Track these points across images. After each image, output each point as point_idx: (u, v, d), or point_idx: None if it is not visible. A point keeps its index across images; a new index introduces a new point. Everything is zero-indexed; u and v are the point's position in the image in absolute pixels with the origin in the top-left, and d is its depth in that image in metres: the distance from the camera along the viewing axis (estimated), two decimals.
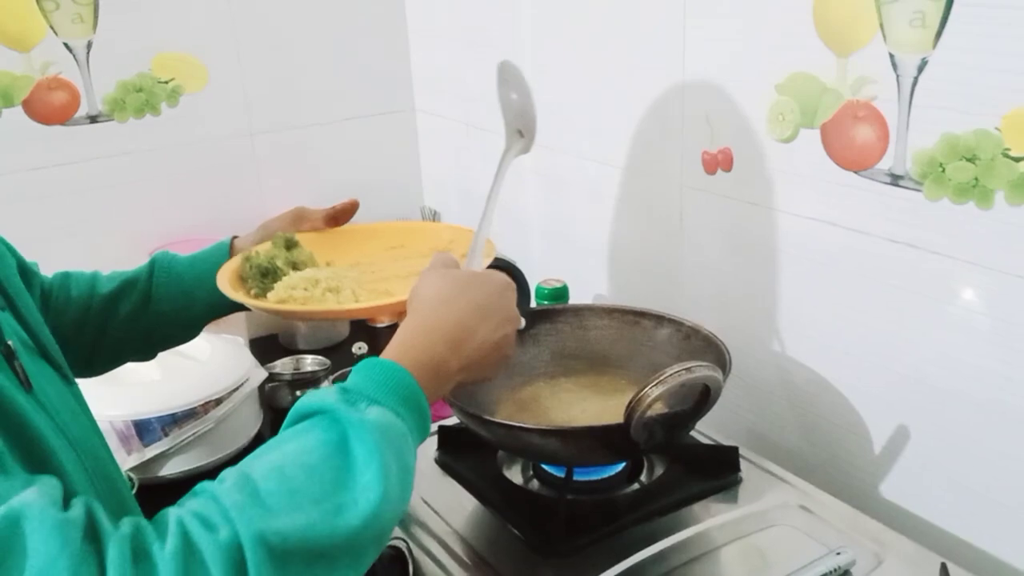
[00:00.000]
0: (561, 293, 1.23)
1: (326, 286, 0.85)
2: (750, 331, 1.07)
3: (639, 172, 1.20)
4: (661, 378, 0.71)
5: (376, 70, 1.64)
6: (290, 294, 0.84)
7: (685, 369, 0.71)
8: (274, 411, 1.31)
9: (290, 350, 1.53)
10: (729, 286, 1.10)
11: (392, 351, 0.65)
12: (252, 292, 0.87)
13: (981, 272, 0.83)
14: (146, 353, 0.94)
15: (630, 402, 0.72)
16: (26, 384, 0.61)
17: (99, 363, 0.91)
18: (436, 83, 1.63)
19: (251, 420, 1.24)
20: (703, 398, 0.76)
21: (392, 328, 1.63)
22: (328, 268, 0.91)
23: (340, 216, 0.98)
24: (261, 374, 1.27)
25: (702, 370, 0.72)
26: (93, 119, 1.40)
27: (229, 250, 0.90)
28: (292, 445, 0.56)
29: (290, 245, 0.92)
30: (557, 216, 1.40)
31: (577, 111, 1.29)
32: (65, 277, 0.91)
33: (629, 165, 1.22)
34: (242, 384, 1.22)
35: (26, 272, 0.85)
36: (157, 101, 1.45)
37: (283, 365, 1.40)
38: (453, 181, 1.66)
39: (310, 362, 1.42)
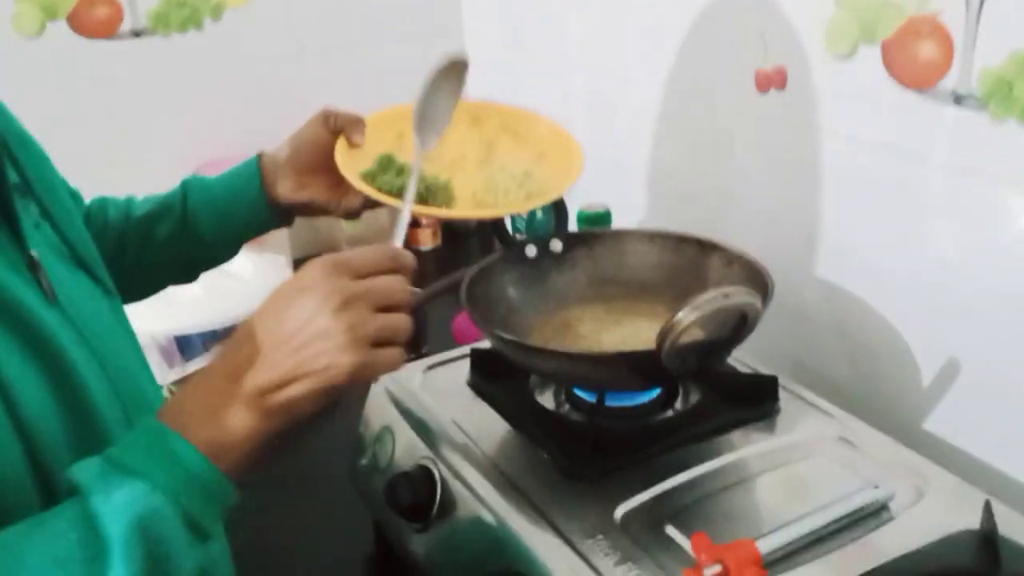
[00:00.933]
0: (603, 218, 1.20)
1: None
2: (797, 257, 1.04)
3: (687, 93, 1.16)
4: (695, 303, 0.68)
5: None
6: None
7: (722, 295, 0.68)
8: None
9: None
10: (779, 211, 1.06)
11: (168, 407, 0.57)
12: (383, 190, 0.85)
13: None
14: (187, 276, 0.94)
15: (663, 328, 0.69)
16: (50, 295, 0.60)
17: (141, 286, 0.91)
18: (483, 6, 1.59)
19: None
20: (740, 325, 0.73)
21: (435, 253, 1.62)
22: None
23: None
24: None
25: (740, 296, 0.69)
26: (137, 34, 1.39)
27: (259, 167, 0.89)
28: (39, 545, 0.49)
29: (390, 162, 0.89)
30: (601, 140, 1.35)
31: (621, 31, 1.24)
32: (102, 202, 0.90)
33: (677, 86, 1.17)
34: None
35: (72, 196, 0.84)
36: (200, 16, 1.43)
37: None
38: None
39: None
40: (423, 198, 0.85)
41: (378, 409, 0.93)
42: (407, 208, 0.76)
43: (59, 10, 1.33)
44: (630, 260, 0.96)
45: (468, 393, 0.92)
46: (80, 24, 1.35)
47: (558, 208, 0.98)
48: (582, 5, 1.32)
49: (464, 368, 0.95)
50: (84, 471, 0.52)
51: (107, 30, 1.37)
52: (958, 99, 0.83)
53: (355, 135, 0.87)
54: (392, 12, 1.58)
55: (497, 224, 0.95)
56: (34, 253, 0.60)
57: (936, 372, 0.92)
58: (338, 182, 0.86)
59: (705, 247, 0.93)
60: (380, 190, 0.84)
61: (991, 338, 0.86)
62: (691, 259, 0.94)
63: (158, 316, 1.14)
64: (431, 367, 0.96)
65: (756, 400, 0.85)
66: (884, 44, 0.89)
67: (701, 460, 0.78)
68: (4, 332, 0.54)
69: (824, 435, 0.82)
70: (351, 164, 0.86)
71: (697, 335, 0.71)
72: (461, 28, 1.64)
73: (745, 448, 0.80)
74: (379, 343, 0.59)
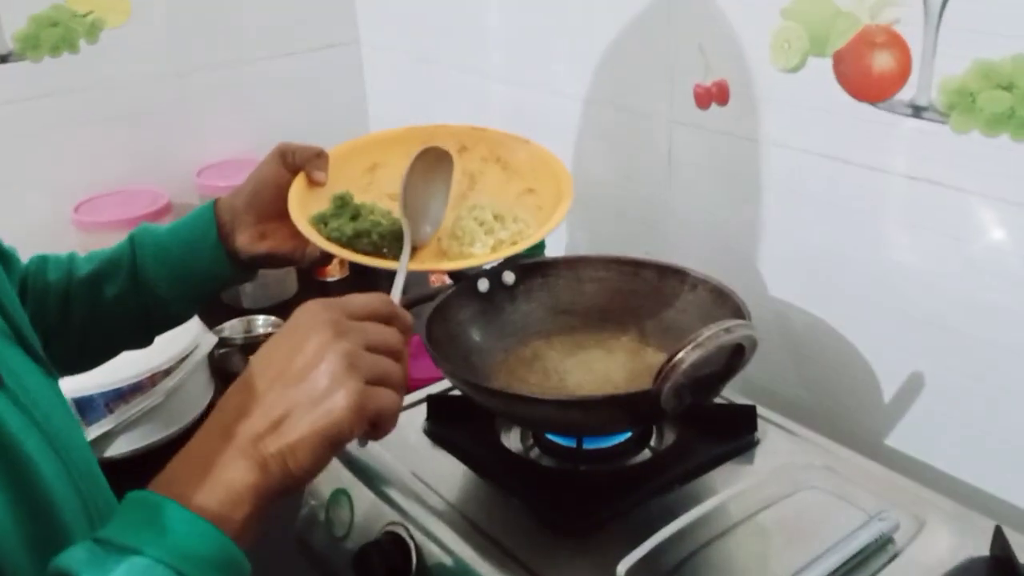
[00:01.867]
0: (536, 245, 1.14)
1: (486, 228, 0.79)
2: (748, 277, 1.01)
3: (622, 109, 1.11)
4: (698, 341, 0.63)
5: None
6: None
7: (724, 330, 0.64)
8: (226, 379, 1.20)
9: (236, 309, 1.42)
10: (723, 229, 1.03)
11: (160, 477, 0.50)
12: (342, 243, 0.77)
13: (1014, 209, 0.78)
14: (143, 339, 0.84)
15: (661, 367, 0.64)
16: (0, 377, 0.52)
17: (90, 354, 0.82)
18: (383, 12, 1.51)
19: (202, 390, 1.13)
20: (735, 359, 0.69)
21: (344, 283, 1.53)
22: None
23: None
24: (211, 339, 1.16)
25: (740, 330, 0.65)
26: (3, 59, 1.25)
27: (214, 214, 0.79)
28: None
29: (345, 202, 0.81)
30: None
31: (548, 40, 1.19)
32: (42, 261, 0.80)
33: (610, 101, 1.13)
34: (191, 352, 1.11)
35: (4, 257, 0.74)
36: (75, 37, 1.30)
37: (232, 328, 1.29)
38: (405, 121, 1.54)
39: (261, 323, 1.32)
40: (377, 246, 0.78)
41: (326, 470, 0.83)
42: (402, 272, 0.71)
43: None
44: (587, 288, 0.91)
45: (426, 443, 0.85)
46: None
47: None
48: (500, 11, 1.26)
49: (418, 415, 0.87)
50: (72, 558, 0.45)
51: None
52: (917, 111, 0.82)
53: (316, 172, 0.80)
54: (280, 25, 1.48)
55: None
56: None
57: (899, 387, 0.90)
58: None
59: (664, 271, 0.89)
60: (329, 238, 0.76)
61: (956, 350, 0.85)
62: (652, 284, 0.89)
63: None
64: None
65: (735, 432, 0.81)
66: (836, 55, 0.87)
67: (689, 503, 0.73)
68: None
69: (808, 465, 0.78)
70: (307, 205, 0.78)
71: (695, 371, 0.66)
72: (358, 39, 1.56)
73: (732, 486, 0.75)
74: (374, 381, 0.52)
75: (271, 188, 0.79)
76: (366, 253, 0.77)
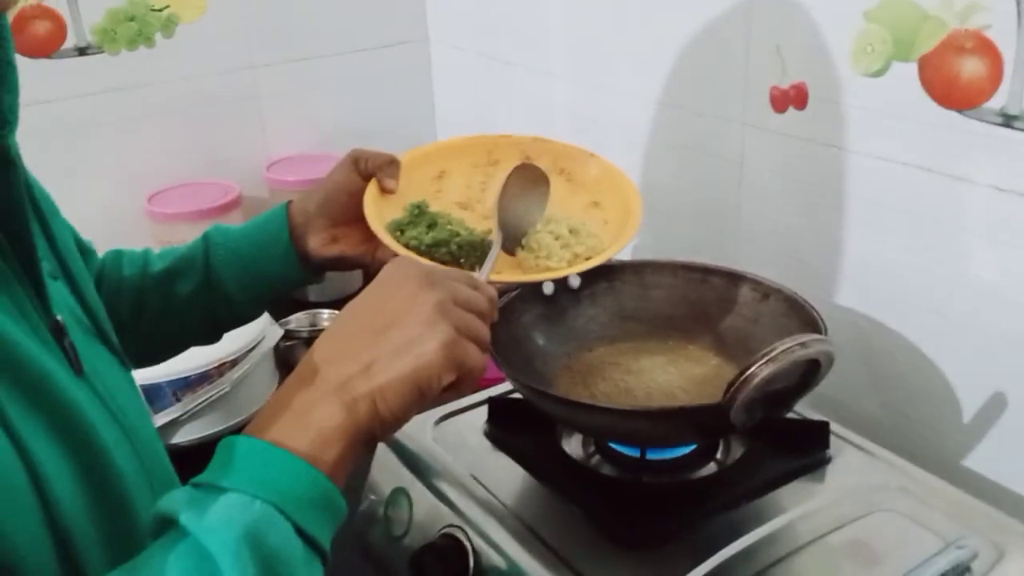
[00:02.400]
0: None
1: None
2: (820, 288, 0.98)
3: (691, 111, 1.09)
4: (772, 355, 0.61)
5: None
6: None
7: (799, 344, 0.62)
8: (290, 371, 1.21)
9: (302, 303, 1.43)
10: (796, 237, 1.00)
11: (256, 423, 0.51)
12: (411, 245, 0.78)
13: None
14: (211, 336, 0.85)
15: (733, 381, 0.62)
16: (77, 366, 0.52)
17: (161, 348, 0.83)
18: (453, 10, 1.50)
19: (267, 382, 1.14)
20: (810, 374, 0.67)
21: None
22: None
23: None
24: (277, 332, 1.17)
25: (817, 344, 0.63)
26: (81, 51, 1.27)
27: (287, 217, 0.80)
28: None
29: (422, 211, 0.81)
30: None
31: (618, 41, 1.17)
32: (118, 255, 0.81)
33: (680, 103, 1.11)
34: (257, 344, 1.12)
35: (82, 250, 0.75)
36: (151, 31, 1.32)
37: (298, 321, 1.31)
38: (471, 120, 1.54)
39: (327, 317, 1.33)
40: (455, 256, 0.79)
41: (386, 468, 0.84)
42: (485, 273, 0.71)
43: None
44: (654, 294, 0.89)
45: (486, 445, 0.84)
46: (18, 43, 1.20)
47: None
48: (567, 9, 1.24)
49: (478, 417, 0.87)
50: (171, 502, 0.46)
51: (48, 48, 1.25)
52: (1008, 120, 0.78)
53: (388, 180, 0.80)
54: (352, 22, 1.48)
55: None
56: (59, 317, 0.52)
57: (978, 407, 0.87)
58: (372, 233, 0.78)
59: (734, 279, 0.87)
60: (408, 246, 0.77)
61: None
62: (720, 292, 0.87)
63: None
64: (442, 418, 0.87)
65: (805, 448, 0.79)
66: (921, 60, 0.83)
67: (756, 521, 0.72)
68: (31, 411, 0.46)
69: (883, 485, 0.76)
70: (381, 211, 0.78)
71: (767, 386, 0.64)
72: (427, 37, 1.56)
73: (802, 505, 0.73)
74: (463, 333, 0.54)
75: (343, 194, 0.80)
76: (443, 262, 0.77)
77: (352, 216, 0.79)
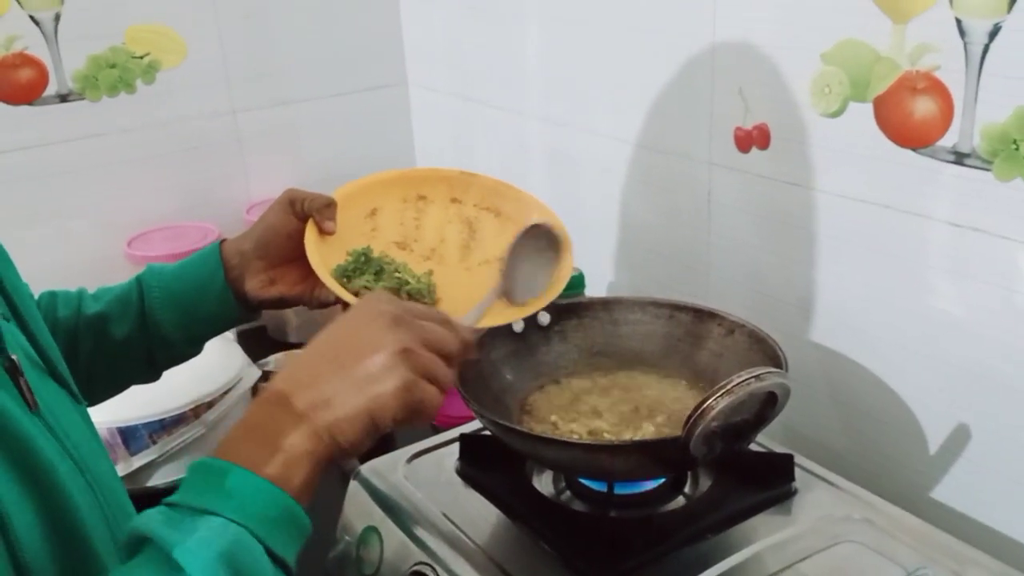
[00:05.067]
0: (576, 282, 1.15)
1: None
2: (787, 323, 0.99)
3: (661, 150, 1.12)
4: (727, 388, 0.63)
5: (366, 41, 1.54)
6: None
7: (754, 377, 0.63)
8: None
9: (281, 343, 1.44)
10: (763, 273, 1.02)
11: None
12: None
13: None
14: (148, 376, 0.86)
15: (690, 414, 0.64)
16: (32, 404, 0.54)
17: (99, 389, 0.82)
18: (430, 54, 1.53)
19: None
20: (768, 406, 0.68)
21: None
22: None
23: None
24: (254, 373, 1.18)
25: (772, 377, 0.64)
26: (63, 98, 1.29)
27: (221, 258, 0.80)
28: None
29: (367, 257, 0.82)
30: (568, 199, 1.31)
31: (591, 82, 1.20)
32: (51, 297, 0.81)
33: (650, 143, 1.13)
34: (234, 384, 1.12)
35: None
36: (132, 78, 1.34)
37: (277, 361, 1.31)
38: (450, 160, 1.56)
39: None
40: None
41: (359, 506, 0.84)
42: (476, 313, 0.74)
43: None
44: (623, 330, 0.91)
45: (457, 483, 0.85)
46: (1, 90, 1.24)
47: None
48: (542, 52, 1.27)
49: (450, 454, 0.88)
50: (149, 521, 0.48)
51: (30, 95, 1.27)
52: (960, 157, 0.81)
53: (327, 222, 0.80)
54: (331, 66, 1.51)
55: None
56: (14, 356, 0.54)
57: (943, 439, 0.88)
58: (309, 272, 0.79)
59: (701, 315, 0.89)
60: (358, 295, 0.77)
61: (1001, 402, 0.82)
62: (687, 327, 0.89)
63: (99, 406, 1.04)
64: (414, 456, 0.88)
65: (771, 481, 0.80)
66: (876, 101, 0.86)
67: (722, 554, 0.73)
68: None
69: (848, 517, 0.77)
70: (323, 255, 0.79)
71: (724, 419, 0.65)
72: (405, 80, 1.59)
73: (768, 537, 0.74)
74: (423, 376, 0.56)
75: (280, 236, 0.80)
76: None
77: (289, 256, 0.80)
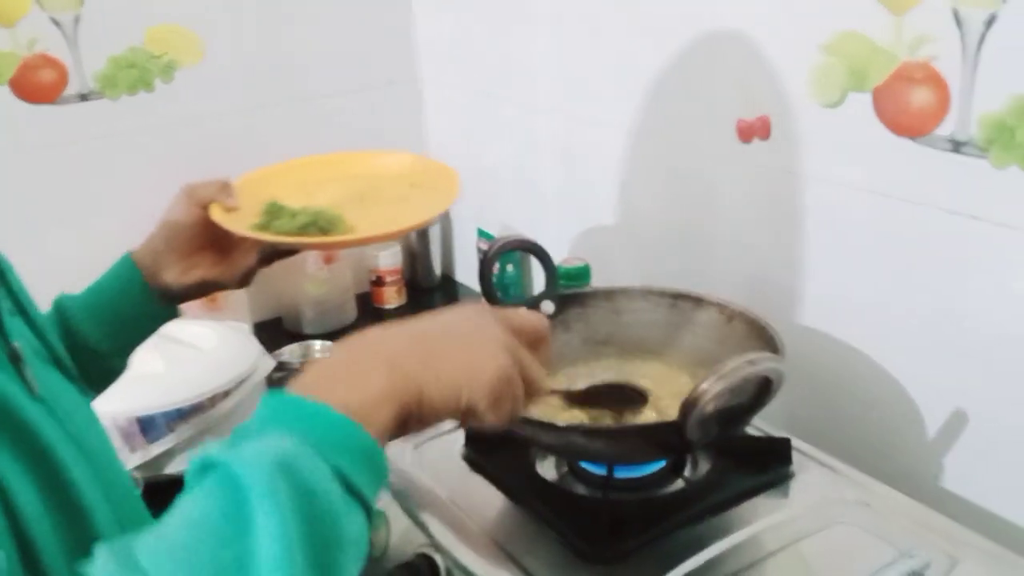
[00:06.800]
0: (582, 273, 1.16)
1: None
2: (787, 310, 1.01)
3: (665, 142, 1.13)
4: (721, 373, 0.64)
5: (379, 39, 1.56)
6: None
7: (747, 362, 0.65)
8: None
9: (296, 335, 1.47)
10: (765, 262, 1.03)
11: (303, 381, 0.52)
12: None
13: None
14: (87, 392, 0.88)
15: (685, 399, 0.65)
16: (34, 389, 0.56)
17: None
18: (442, 51, 1.55)
19: None
20: (763, 391, 0.69)
21: (402, 310, 1.57)
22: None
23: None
24: (269, 363, 1.20)
25: (765, 362, 0.66)
26: (84, 97, 1.33)
27: (135, 263, 0.82)
28: (180, 519, 0.44)
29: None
30: (574, 191, 1.33)
31: (597, 77, 1.22)
32: None
33: (654, 134, 1.15)
34: (250, 374, 1.15)
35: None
36: (151, 77, 1.37)
37: (291, 352, 1.34)
38: (461, 155, 1.58)
39: (319, 348, 1.36)
40: (324, 230, 0.85)
41: None
42: None
43: (1, 75, 1.26)
44: (625, 319, 0.92)
45: (463, 468, 0.87)
46: (22, 90, 1.28)
47: (547, 267, 0.93)
48: (550, 47, 1.29)
49: (456, 440, 0.90)
50: (207, 446, 0.46)
51: (51, 95, 1.30)
52: (957, 146, 0.82)
53: (228, 199, 0.85)
54: (345, 62, 1.54)
55: (486, 289, 0.90)
56: (16, 344, 0.56)
57: (940, 423, 0.89)
58: (224, 254, 0.84)
59: (701, 303, 0.90)
60: (279, 233, 0.83)
61: (998, 386, 0.83)
62: (688, 316, 0.90)
63: (116, 395, 1.06)
64: (422, 443, 0.90)
65: (769, 464, 0.81)
66: (875, 91, 0.87)
67: (719, 535, 0.74)
68: None
69: (843, 499, 0.78)
70: (234, 223, 0.83)
71: (720, 403, 0.67)
72: (416, 76, 1.61)
73: (764, 519, 0.76)
74: (522, 374, 0.57)
75: (186, 228, 0.83)
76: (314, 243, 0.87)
77: (200, 244, 0.83)
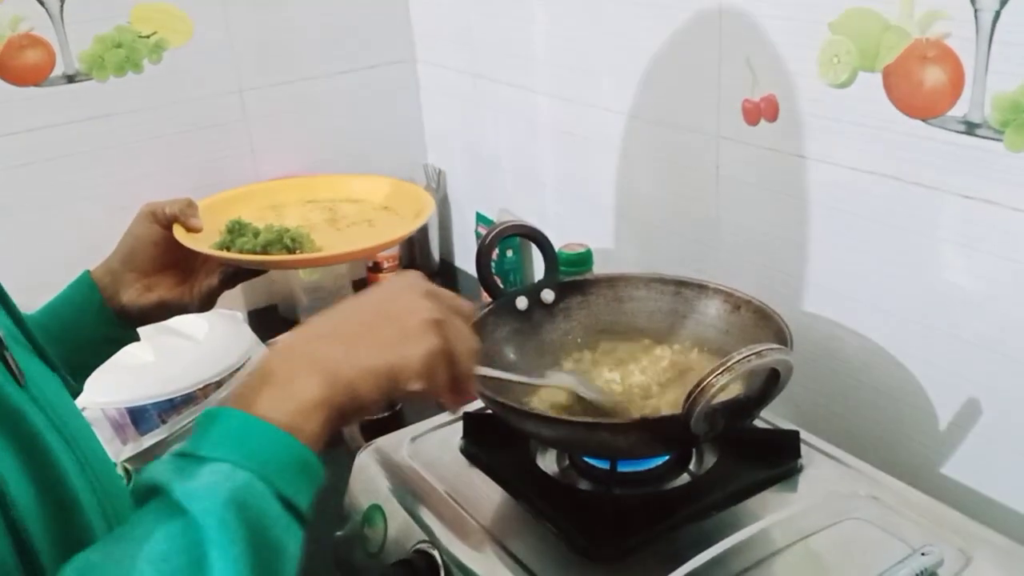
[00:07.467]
0: (584, 258, 1.14)
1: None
2: (795, 297, 0.98)
3: (668, 124, 1.10)
4: (727, 365, 0.62)
5: (373, 18, 1.53)
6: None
7: (755, 354, 0.62)
8: None
9: (291, 322, 1.44)
10: (771, 247, 1.01)
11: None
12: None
13: None
14: None
15: (690, 392, 0.63)
16: (19, 377, 0.55)
17: None
18: (438, 30, 1.52)
19: None
20: (771, 383, 0.67)
21: None
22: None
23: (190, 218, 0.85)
24: (263, 352, 1.18)
25: (773, 354, 0.63)
26: (70, 79, 1.29)
27: (93, 282, 0.80)
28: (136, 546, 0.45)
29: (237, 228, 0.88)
30: (575, 175, 1.30)
31: (597, 57, 1.18)
32: None
33: (658, 117, 1.12)
34: (243, 364, 1.13)
35: None
36: (138, 57, 1.34)
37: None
38: (459, 137, 1.55)
39: None
40: (289, 249, 0.85)
41: (365, 482, 0.85)
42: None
43: None
44: (628, 307, 0.90)
45: (461, 461, 0.85)
46: (7, 72, 1.25)
47: (547, 253, 0.91)
48: (550, 28, 1.26)
49: (454, 433, 0.87)
50: (158, 470, 0.47)
51: (37, 76, 1.27)
52: (970, 127, 0.79)
53: (192, 220, 0.83)
54: (338, 43, 1.50)
55: (483, 276, 0.88)
56: None
57: (952, 414, 0.87)
58: (185, 275, 0.83)
59: (706, 291, 0.88)
60: (242, 252, 0.83)
61: (1012, 375, 0.81)
62: (692, 304, 0.88)
63: (107, 386, 1.04)
64: (419, 435, 0.88)
65: (777, 458, 0.79)
66: (886, 70, 0.84)
67: (726, 531, 0.72)
68: None
69: (854, 494, 0.76)
70: (196, 243, 0.82)
71: (726, 396, 0.64)
72: (414, 57, 1.58)
73: (773, 514, 0.74)
74: (452, 347, 0.57)
75: (147, 247, 0.81)
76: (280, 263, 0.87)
77: (160, 265, 0.82)
